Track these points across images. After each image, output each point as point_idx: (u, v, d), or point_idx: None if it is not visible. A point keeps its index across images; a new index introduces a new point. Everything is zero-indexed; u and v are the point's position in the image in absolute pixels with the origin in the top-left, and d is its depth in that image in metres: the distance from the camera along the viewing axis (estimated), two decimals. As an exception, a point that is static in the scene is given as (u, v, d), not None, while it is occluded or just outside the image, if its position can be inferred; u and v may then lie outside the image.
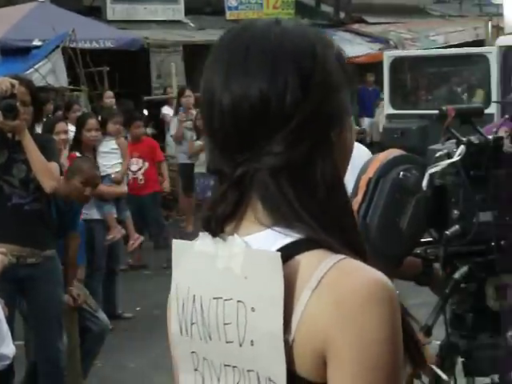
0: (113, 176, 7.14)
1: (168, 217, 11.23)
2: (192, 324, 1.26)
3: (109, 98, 10.64)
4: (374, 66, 14.56)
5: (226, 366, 1.23)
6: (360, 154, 3.23)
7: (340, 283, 1.12)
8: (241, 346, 1.19)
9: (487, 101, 8.64)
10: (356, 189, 2.32)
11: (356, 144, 3.21)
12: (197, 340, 1.26)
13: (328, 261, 1.13)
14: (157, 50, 14.75)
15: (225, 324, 1.21)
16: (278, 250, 1.15)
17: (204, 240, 1.25)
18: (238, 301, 1.19)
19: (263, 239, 1.19)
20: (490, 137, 2.37)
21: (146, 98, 13.65)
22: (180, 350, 1.31)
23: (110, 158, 7.13)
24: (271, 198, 1.19)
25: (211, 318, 1.23)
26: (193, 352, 1.28)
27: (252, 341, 1.18)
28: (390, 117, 10.29)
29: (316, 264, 1.14)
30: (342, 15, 18.51)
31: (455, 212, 2.33)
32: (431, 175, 2.30)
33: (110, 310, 6.30)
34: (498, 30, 12.70)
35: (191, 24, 16.12)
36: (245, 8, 16.96)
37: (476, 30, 17.38)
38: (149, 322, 6.65)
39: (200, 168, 9.66)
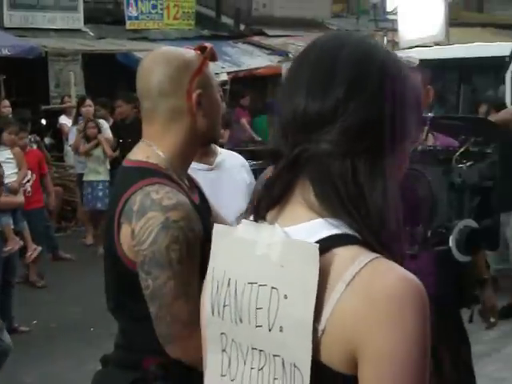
0: (9, 185, 6.99)
1: (66, 228, 11.03)
2: (225, 306, 1.33)
3: (5, 107, 10.37)
4: (274, 78, 14.72)
5: (253, 349, 1.29)
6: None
7: (374, 281, 1.18)
8: (270, 330, 1.25)
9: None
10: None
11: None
12: (228, 322, 1.33)
13: (363, 258, 1.19)
14: (55, 58, 14.46)
15: (257, 308, 1.27)
16: (319, 241, 1.21)
17: (246, 226, 1.32)
18: (272, 287, 1.25)
19: (309, 228, 1.25)
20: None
21: (43, 107, 13.38)
22: (210, 331, 1.38)
23: (6, 167, 6.96)
24: (323, 182, 1.26)
25: (244, 301, 1.29)
26: (222, 333, 1.35)
27: (281, 327, 1.23)
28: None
29: (352, 259, 1.19)
30: (243, 27, 18.63)
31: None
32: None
33: (5, 324, 6.14)
34: (394, 45, 13.06)
35: (90, 33, 15.90)
36: (145, 18, 16.85)
37: (373, 45, 17.78)
38: (45, 336, 6.51)
39: (88, 176, 9.58)
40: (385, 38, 14.79)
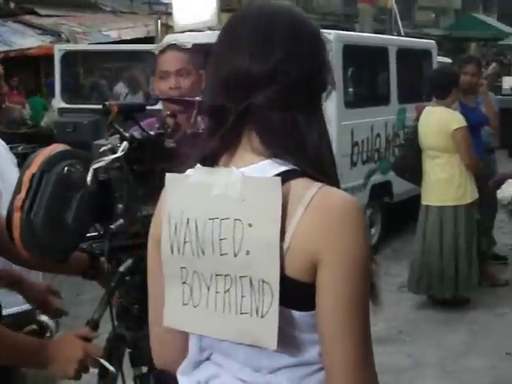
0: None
1: None
2: (185, 243, 1.51)
3: None
4: (47, 59, 14.25)
5: (217, 275, 1.49)
6: None
7: (327, 201, 1.43)
8: (235, 256, 1.45)
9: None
10: (20, 185, 2.25)
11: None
12: (189, 256, 1.51)
13: (313, 186, 1.44)
14: None
15: (220, 239, 1.47)
16: (275, 176, 1.44)
17: (199, 172, 1.52)
18: (236, 219, 1.45)
19: (260, 168, 1.48)
20: (152, 132, 2.44)
21: None
22: (169, 267, 1.56)
23: None
24: (268, 132, 1.48)
25: (206, 235, 1.49)
26: (183, 268, 1.53)
27: (248, 251, 1.44)
28: (61, 111, 10.13)
29: (305, 187, 1.44)
30: (13, 5, 17.87)
31: (120, 206, 2.36)
32: (95, 170, 2.31)
33: None
34: (168, 28, 13.10)
35: None
36: None
37: (147, 27, 17.76)
38: None
39: None
40: (159, 22, 14.80)
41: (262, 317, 1.44)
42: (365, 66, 9.64)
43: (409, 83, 9.74)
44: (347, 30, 12.15)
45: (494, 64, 11.96)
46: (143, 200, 2.37)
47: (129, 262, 2.40)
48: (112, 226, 2.33)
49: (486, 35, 31.44)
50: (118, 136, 2.41)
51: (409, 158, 6.61)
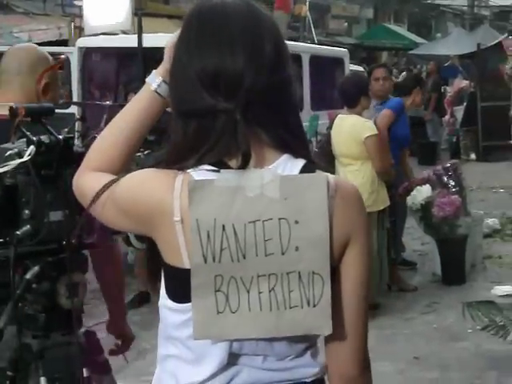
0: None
1: None
2: (222, 250, 1.48)
3: None
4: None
5: (259, 276, 1.50)
6: None
7: (346, 191, 1.57)
8: (283, 254, 1.49)
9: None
10: None
11: None
12: (226, 263, 1.49)
13: (330, 177, 1.55)
14: None
15: (266, 240, 1.48)
16: (301, 172, 1.55)
17: (226, 175, 1.49)
18: (280, 218, 1.49)
19: (283, 164, 1.55)
20: (61, 136, 2.39)
21: None
22: (200, 278, 1.49)
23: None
24: (275, 126, 1.55)
25: (248, 238, 1.48)
26: (217, 275, 1.50)
27: (297, 247, 1.49)
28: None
29: (326, 180, 1.52)
30: None
31: (26, 212, 2.30)
32: (1, 175, 2.25)
33: None
34: (81, 31, 12.91)
35: None
36: None
37: (60, 30, 17.46)
38: None
39: None
40: (72, 24, 14.58)
41: (314, 306, 1.52)
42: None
43: (322, 90, 9.87)
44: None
45: (403, 73, 12.25)
46: (51, 205, 2.32)
47: (35, 268, 2.34)
48: (18, 232, 2.27)
49: (397, 45, 32.11)
50: (25, 140, 2.35)
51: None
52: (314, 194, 1.50)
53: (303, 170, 1.55)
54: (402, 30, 34.80)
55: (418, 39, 32.25)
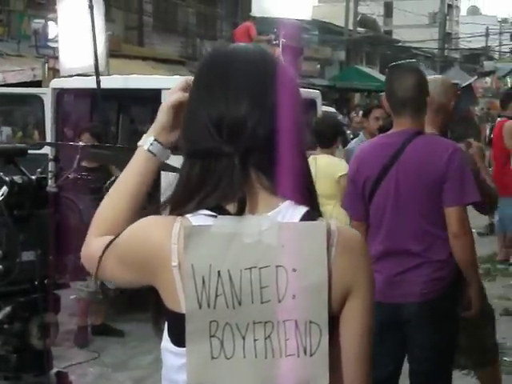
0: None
1: None
2: (217, 296, 1.47)
3: None
4: None
5: (255, 323, 1.48)
6: None
7: (348, 240, 1.53)
8: (280, 302, 1.47)
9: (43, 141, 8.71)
10: None
11: None
12: (221, 309, 1.47)
13: (331, 224, 1.52)
14: None
15: (262, 287, 1.47)
16: (301, 219, 1.52)
17: (222, 221, 1.48)
18: (277, 266, 1.46)
19: (284, 211, 1.52)
20: (34, 177, 2.40)
21: None
22: (195, 323, 1.48)
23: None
24: (272, 172, 1.52)
25: (244, 285, 1.46)
26: (212, 321, 1.48)
27: (294, 295, 1.46)
28: None
29: (328, 228, 1.50)
30: None
31: (-1, 252, 2.31)
32: (-26, 215, 2.26)
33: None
34: (55, 72, 12.93)
35: None
36: None
37: (33, 71, 17.47)
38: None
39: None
40: (46, 65, 14.60)
41: (311, 355, 1.49)
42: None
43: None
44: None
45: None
46: (23, 245, 2.32)
47: (7, 309, 2.33)
48: (-10, 273, 2.27)
49: (369, 86, 32.48)
50: (-3, 180, 2.36)
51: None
52: (313, 242, 1.49)
53: (304, 218, 1.53)
54: (374, 72, 35.24)
55: (390, 81, 32.61)
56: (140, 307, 5.01)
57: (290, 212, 1.53)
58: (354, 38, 37.10)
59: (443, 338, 3.26)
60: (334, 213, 6.22)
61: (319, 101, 10.59)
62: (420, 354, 3.27)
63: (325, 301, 1.49)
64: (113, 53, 12.41)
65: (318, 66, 36.05)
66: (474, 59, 44.78)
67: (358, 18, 37.72)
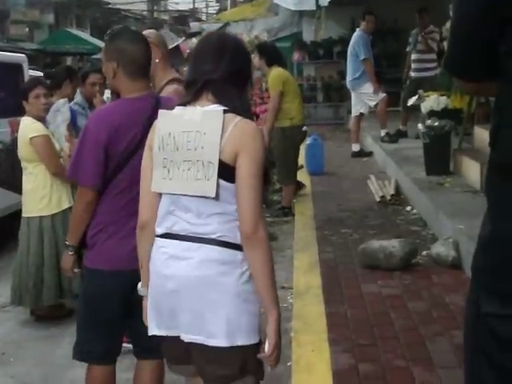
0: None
1: None
2: (167, 145, 2.81)
3: None
4: None
5: (184, 161, 2.76)
6: None
7: (246, 125, 2.75)
8: (195, 150, 2.73)
9: None
10: None
11: None
12: (168, 151, 2.80)
13: (239, 117, 2.74)
14: None
15: (187, 141, 2.75)
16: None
17: (177, 109, 2.84)
18: (197, 131, 2.73)
19: (212, 107, 2.77)
20: None
21: None
22: (157, 158, 2.85)
23: None
24: (217, 91, 2.81)
25: (179, 140, 2.78)
26: (164, 158, 2.82)
27: (202, 147, 2.71)
28: None
29: (234, 118, 2.73)
30: None
31: None
32: None
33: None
34: None
35: None
36: None
37: None
38: None
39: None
40: None
41: (207, 180, 2.69)
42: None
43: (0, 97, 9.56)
44: None
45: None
46: None
47: None
48: None
49: (81, 49, 32.03)
50: None
51: (5, 170, 6.54)
52: (215, 119, 2.70)
53: (223, 111, 2.75)
54: (84, 35, 34.70)
55: (102, 44, 32.33)
56: None
57: (213, 108, 2.76)
58: (62, 1, 36.27)
59: None
60: (33, 177, 6.09)
61: (26, 65, 10.30)
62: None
63: (217, 151, 2.67)
64: None
65: (27, 29, 34.86)
66: (182, 21, 45.70)
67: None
